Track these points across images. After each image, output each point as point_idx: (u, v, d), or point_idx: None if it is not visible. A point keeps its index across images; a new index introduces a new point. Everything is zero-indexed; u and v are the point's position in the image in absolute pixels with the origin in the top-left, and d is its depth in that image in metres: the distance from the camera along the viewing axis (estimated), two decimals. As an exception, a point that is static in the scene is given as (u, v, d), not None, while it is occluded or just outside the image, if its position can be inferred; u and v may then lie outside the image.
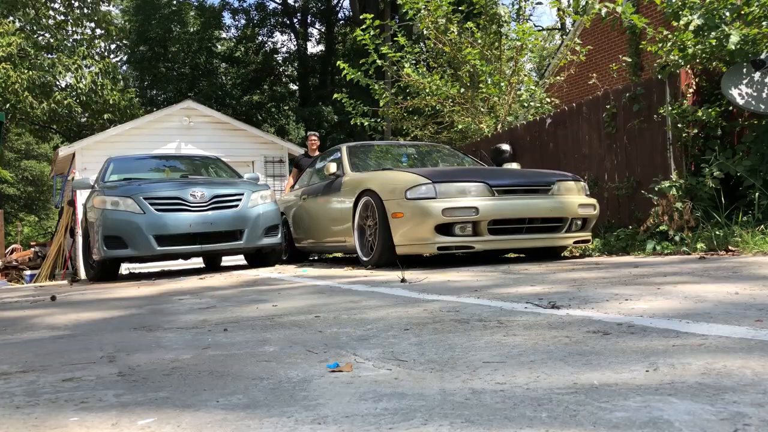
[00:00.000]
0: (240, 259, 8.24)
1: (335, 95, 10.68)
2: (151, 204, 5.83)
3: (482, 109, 9.42)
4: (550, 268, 4.13)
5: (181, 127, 12.46)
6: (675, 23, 5.74)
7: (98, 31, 21.30)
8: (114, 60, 24.02)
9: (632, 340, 1.54)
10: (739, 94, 5.31)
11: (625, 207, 6.37)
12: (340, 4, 28.73)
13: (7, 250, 14.26)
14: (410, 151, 7.01)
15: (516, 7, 9.74)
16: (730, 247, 4.44)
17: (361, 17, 10.35)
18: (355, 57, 20.95)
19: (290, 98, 28.24)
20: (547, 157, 7.41)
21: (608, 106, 6.50)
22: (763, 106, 5.24)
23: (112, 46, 25.10)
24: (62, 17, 20.61)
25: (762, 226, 4.71)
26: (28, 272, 11.85)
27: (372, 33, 9.40)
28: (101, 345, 2.03)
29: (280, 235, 6.47)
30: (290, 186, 8.72)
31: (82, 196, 11.01)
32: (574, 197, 5.07)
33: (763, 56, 5.37)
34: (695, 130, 5.63)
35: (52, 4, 20.58)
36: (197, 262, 9.82)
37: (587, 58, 10.51)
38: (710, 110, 5.46)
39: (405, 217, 4.75)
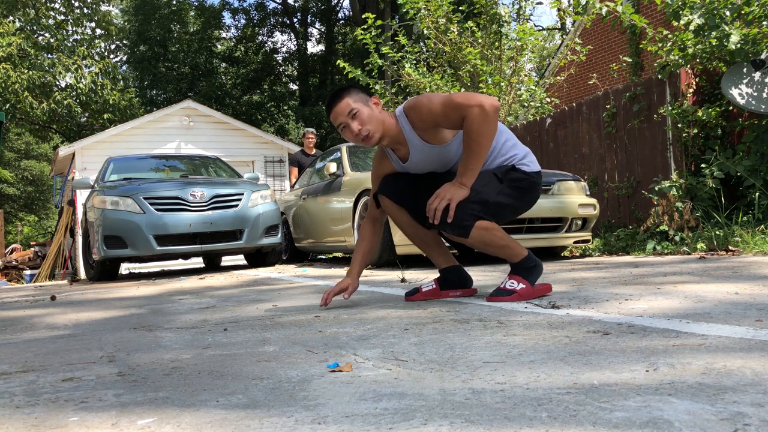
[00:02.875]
0: (240, 259, 8.24)
1: (335, 95, 10.66)
2: (151, 204, 5.83)
3: (482, 109, 9.39)
4: (550, 268, 4.13)
5: (181, 127, 12.47)
6: (675, 23, 5.74)
7: (98, 31, 21.32)
8: (114, 60, 24.04)
9: (632, 340, 1.54)
10: (739, 94, 5.31)
11: (625, 207, 6.37)
12: (340, 4, 28.74)
13: (7, 250, 14.26)
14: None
15: (516, 7, 9.75)
16: (730, 247, 4.45)
17: (362, 17, 10.35)
18: (355, 57, 20.96)
19: (290, 98, 28.24)
20: (547, 157, 7.42)
21: (608, 106, 6.50)
22: (763, 106, 5.24)
23: (112, 46, 25.13)
24: (62, 17, 20.62)
25: (762, 226, 4.71)
26: (28, 272, 11.85)
27: (373, 33, 9.41)
28: (101, 345, 2.03)
29: (280, 235, 6.46)
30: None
31: (82, 196, 11.02)
32: (574, 197, 5.08)
33: (763, 56, 5.37)
34: (695, 130, 5.63)
35: (52, 4, 20.59)
36: (197, 262, 9.82)
37: (587, 58, 10.51)
38: (710, 110, 5.46)
39: (405, 217, 4.74)
